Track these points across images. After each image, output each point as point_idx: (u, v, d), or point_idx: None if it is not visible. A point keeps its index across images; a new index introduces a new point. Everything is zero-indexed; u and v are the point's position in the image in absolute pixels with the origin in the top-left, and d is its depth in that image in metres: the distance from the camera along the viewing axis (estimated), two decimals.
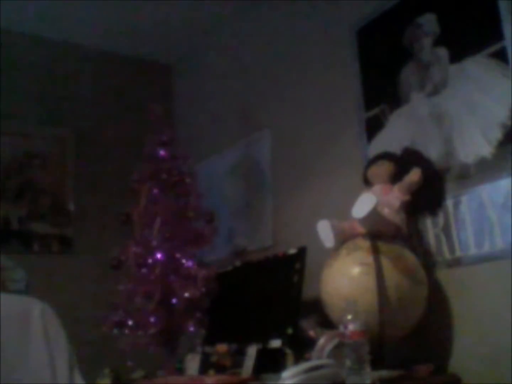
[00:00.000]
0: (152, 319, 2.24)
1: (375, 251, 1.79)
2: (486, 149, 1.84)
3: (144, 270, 2.31)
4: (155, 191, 2.41)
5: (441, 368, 1.84)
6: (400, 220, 1.89)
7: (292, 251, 2.15)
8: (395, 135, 2.15)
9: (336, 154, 2.41)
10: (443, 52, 2.01)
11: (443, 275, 1.93)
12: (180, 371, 2.23)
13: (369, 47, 2.31)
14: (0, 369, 1.61)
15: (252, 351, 1.96)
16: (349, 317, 1.57)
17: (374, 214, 1.79)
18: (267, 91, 2.87)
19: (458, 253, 1.89)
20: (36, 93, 3.17)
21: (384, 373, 1.63)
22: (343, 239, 1.90)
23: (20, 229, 2.99)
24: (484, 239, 1.82)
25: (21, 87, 3.12)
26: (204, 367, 2.12)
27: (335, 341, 1.69)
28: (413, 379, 1.71)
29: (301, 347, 1.86)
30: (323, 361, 1.65)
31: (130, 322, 2.26)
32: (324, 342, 1.72)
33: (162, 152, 2.46)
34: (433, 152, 2.00)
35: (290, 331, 1.94)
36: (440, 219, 1.96)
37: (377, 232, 1.84)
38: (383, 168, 2.01)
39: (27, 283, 2.41)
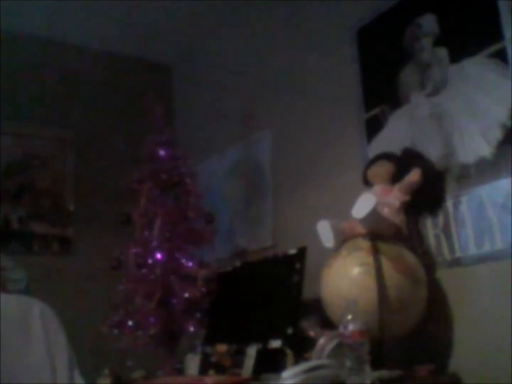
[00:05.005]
0: (152, 319, 2.24)
1: (375, 251, 1.78)
2: (486, 150, 1.84)
3: (144, 270, 2.31)
4: (155, 191, 2.41)
5: (441, 368, 1.84)
6: (400, 220, 1.89)
7: (292, 251, 2.15)
8: (395, 135, 2.15)
9: (336, 155, 2.41)
10: (443, 52, 2.01)
11: (443, 275, 1.93)
12: (180, 371, 2.23)
13: (369, 47, 2.31)
14: (0, 369, 1.61)
15: (252, 351, 1.96)
16: (349, 317, 1.57)
17: (374, 214, 1.79)
18: (267, 91, 2.87)
19: (458, 253, 1.90)
20: (36, 93, 3.17)
21: (384, 373, 1.63)
22: (343, 239, 1.90)
23: (20, 229, 2.99)
24: (484, 239, 1.82)
25: (21, 87, 3.12)
26: (204, 367, 2.12)
27: (335, 341, 1.69)
28: (413, 379, 1.71)
29: (301, 347, 1.86)
30: (323, 361, 1.65)
31: (130, 322, 2.26)
32: (324, 342, 1.72)
33: (162, 152, 2.46)
34: (433, 152, 2.00)
35: (290, 331, 1.94)
36: (440, 219, 1.96)
37: (377, 232, 1.84)
38: (383, 169, 2.01)
39: (27, 283, 2.41)
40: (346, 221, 1.92)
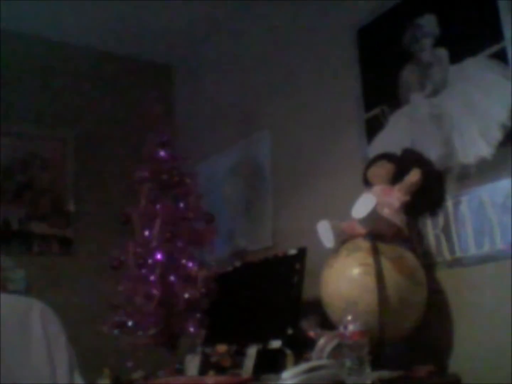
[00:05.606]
0: (152, 320, 2.24)
1: (375, 252, 1.78)
2: (486, 150, 1.84)
3: (144, 271, 2.31)
4: (155, 191, 2.41)
5: (441, 368, 1.84)
6: (400, 220, 1.89)
7: (292, 251, 2.15)
8: (395, 135, 2.15)
9: (336, 155, 2.41)
10: (443, 52, 2.01)
11: (443, 275, 1.93)
12: (180, 371, 2.23)
13: (369, 47, 2.31)
14: (0, 369, 1.61)
15: (252, 351, 1.96)
16: (349, 317, 1.57)
17: (374, 214, 1.79)
18: (267, 91, 2.87)
19: (458, 253, 1.89)
20: (36, 94, 3.17)
21: (384, 373, 1.63)
22: (343, 239, 1.90)
23: (20, 229, 2.99)
24: (484, 239, 1.82)
25: (21, 88, 3.12)
26: (204, 367, 2.12)
27: (335, 342, 1.69)
28: (413, 380, 1.71)
29: (301, 347, 1.86)
30: (323, 361, 1.65)
31: (130, 323, 2.26)
32: (324, 342, 1.72)
33: (162, 153, 2.46)
34: (433, 152, 2.00)
35: (290, 331, 1.94)
36: (440, 220, 1.96)
37: (377, 233, 1.84)
38: (383, 169, 2.01)
39: (27, 283, 2.42)
40: (346, 222, 1.92)
